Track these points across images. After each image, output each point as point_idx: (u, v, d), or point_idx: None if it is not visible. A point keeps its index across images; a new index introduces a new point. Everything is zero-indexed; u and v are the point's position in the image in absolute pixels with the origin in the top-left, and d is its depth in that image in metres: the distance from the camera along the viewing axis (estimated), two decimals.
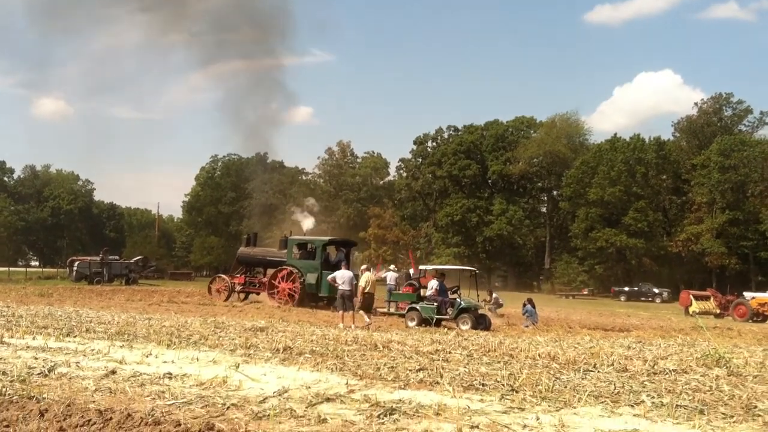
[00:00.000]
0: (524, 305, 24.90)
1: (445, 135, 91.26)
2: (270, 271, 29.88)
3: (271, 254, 31.27)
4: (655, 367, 10.44)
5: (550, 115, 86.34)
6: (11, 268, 57.75)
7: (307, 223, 36.16)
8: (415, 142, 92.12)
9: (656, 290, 61.40)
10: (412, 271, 24.30)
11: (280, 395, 7.84)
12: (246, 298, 30.93)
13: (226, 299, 30.07)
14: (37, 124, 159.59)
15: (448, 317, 20.15)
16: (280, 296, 28.36)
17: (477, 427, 6.57)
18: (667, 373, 9.95)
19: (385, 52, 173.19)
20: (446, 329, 18.85)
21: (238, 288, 30.99)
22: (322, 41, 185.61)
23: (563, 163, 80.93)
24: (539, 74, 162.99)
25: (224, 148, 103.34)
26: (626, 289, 63.40)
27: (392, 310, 23.32)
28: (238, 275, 31.52)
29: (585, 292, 68.51)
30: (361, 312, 19.92)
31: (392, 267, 28.85)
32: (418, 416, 6.96)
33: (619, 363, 10.81)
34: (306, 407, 7.22)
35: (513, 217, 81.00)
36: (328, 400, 7.64)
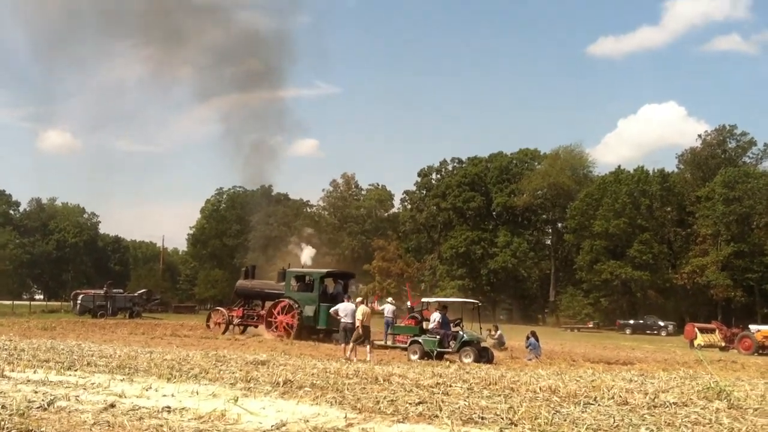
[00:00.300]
0: (527, 338, 24.84)
1: (449, 167, 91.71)
2: (268, 304, 29.91)
3: (269, 287, 31.53)
4: (656, 400, 10.38)
5: (554, 147, 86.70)
6: (15, 302, 57.73)
7: (306, 253, 36.40)
8: (419, 174, 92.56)
9: (661, 323, 61.02)
10: (409, 303, 24.35)
11: (278, 429, 7.84)
12: (244, 331, 31.00)
13: (224, 332, 30.18)
14: (42, 157, 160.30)
15: (450, 350, 20.09)
16: (278, 329, 28.42)
17: None
18: (667, 406, 9.89)
19: (390, 84, 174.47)
20: (449, 362, 18.79)
21: (236, 321, 31.05)
22: (327, 73, 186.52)
23: (567, 195, 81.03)
24: (543, 107, 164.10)
25: (229, 181, 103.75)
26: (631, 322, 63.05)
27: (389, 342, 23.30)
28: (236, 308, 31.59)
29: (590, 325, 68.12)
30: (366, 347, 19.84)
31: (390, 300, 28.90)
32: None
33: (620, 396, 10.76)
34: None
35: (517, 249, 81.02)
36: None
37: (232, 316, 31.30)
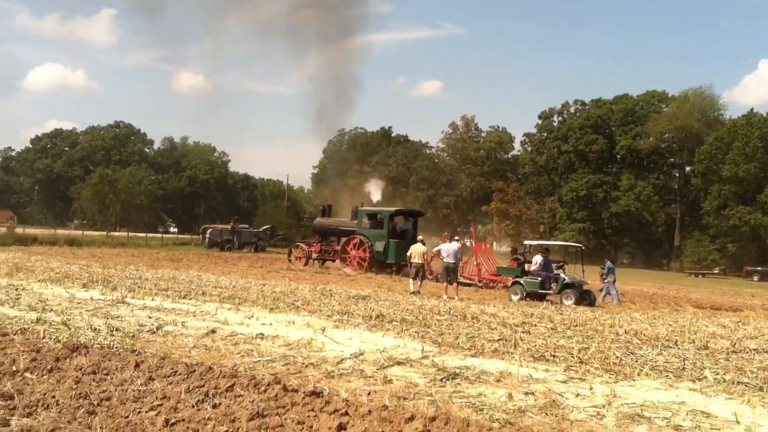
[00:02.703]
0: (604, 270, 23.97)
1: (572, 109, 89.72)
2: (343, 240, 31.34)
3: (344, 224, 32.90)
4: (736, 345, 10.45)
5: (683, 89, 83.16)
6: (149, 234, 61.23)
7: (376, 195, 37.35)
8: (540, 117, 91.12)
9: None
10: (472, 242, 24.81)
11: (356, 357, 8.47)
12: (323, 264, 32.55)
13: (305, 265, 31.93)
14: (177, 98, 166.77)
15: (551, 292, 20.27)
16: (351, 263, 30.02)
17: (531, 393, 6.95)
18: (746, 352, 9.96)
19: (515, 25, 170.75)
20: (548, 304, 19.02)
21: (314, 256, 32.75)
22: (453, 14, 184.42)
23: (696, 138, 77.92)
24: (677, 47, 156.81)
25: (350, 122, 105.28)
26: (759, 269, 60.53)
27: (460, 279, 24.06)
28: (315, 244, 33.32)
29: (716, 271, 65.99)
30: (419, 282, 20.41)
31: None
32: (479, 382, 7.40)
33: (702, 340, 10.86)
34: (376, 369, 7.80)
35: (641, 193, 79.00)
36: (399, 363, 8.20)
37: (311, 251, 32.95)
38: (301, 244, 34.61)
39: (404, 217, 32.31)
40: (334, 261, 31.85)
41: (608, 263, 23.45)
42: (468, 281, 25.26)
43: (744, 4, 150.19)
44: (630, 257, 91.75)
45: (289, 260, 33.59)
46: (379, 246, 29.78)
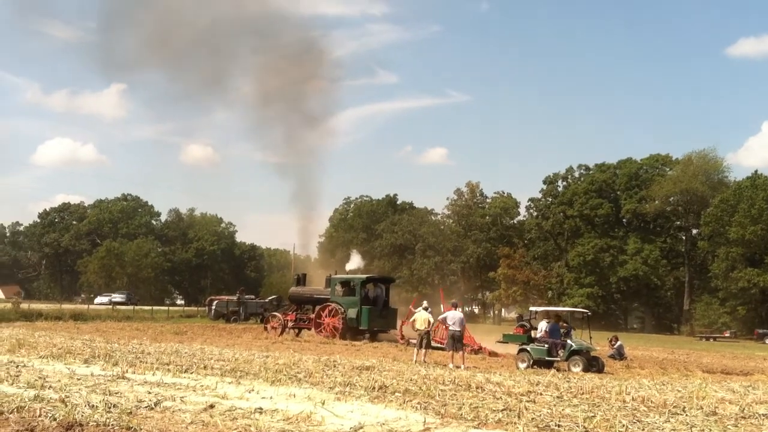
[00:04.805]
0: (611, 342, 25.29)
1: (576, 174, 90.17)
2: (318, 308, 31.85)
3: (318, 292, 33.43)
4: (745, 411, 10.24)
5: (687, 152, 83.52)
6: (155, 307, 61.00)
7: (353, 263, 37.96)
8: (545, 182, 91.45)
9: None
10: (442, 308, 25.24)
11: (356, 431, 8.31)
12: (299, 333, 32.56)
13: (281, 334, 31.87)
14: (185, 169, 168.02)
15: (559, 359, 20.03)
16: (325, 330, 30.52)
17: None
18: (755, 417, 9.76)
19: (519, 91, 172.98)
20: (559, 371, 18.78)
21: (290, 324, 32.83)
22: (458, 82, 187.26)
23: (701, 201, 78.11)
24: (680, 111, 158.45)
25: (356, 190, 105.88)
26: None
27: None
28: (291, 312, 33.65)
29: (727, 335, 65.22)
30: (425, 351, 20.43)
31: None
32: None
33: (710, 407, 10.65)
34: None
35: (649, 256, 78.76)
36: None
37: (287, 320, 33.09)
38: (277, 314, 34.85)
39: (374, 284, 32.74)
40: (309, 329, 32.06)
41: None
42: (439, 345, 25.03)
43: (746, 66, 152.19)
44: (640, 322, 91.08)
45: (266, 329, 33.72)
46: (352, 313, 30.30)
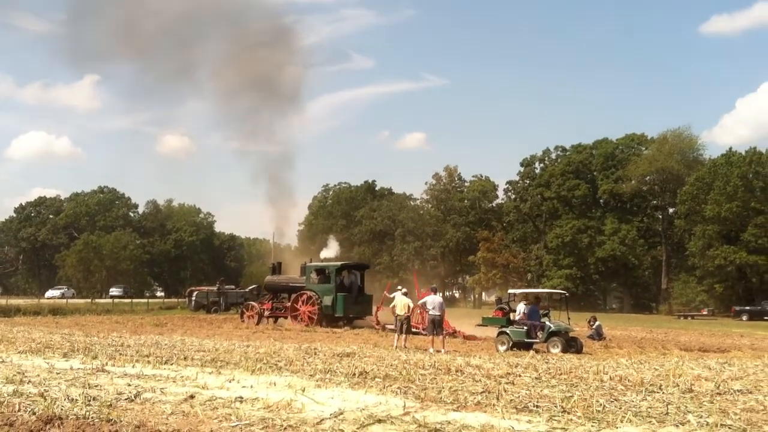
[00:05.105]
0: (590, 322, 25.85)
1: (553, 155, 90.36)
2: (293, 296, 32.21)
3: (293, 280, 33.71)
4: (721, 387, 10.40)
5: (662, 131, 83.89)
6: (134, 300, 60.73)
7: (330, 250, 38.30)
8: (522, 164, 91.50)
9: None
10: (417, 292, 25.52)
11: (336, 417, 8.36)
12: (276, 321, 32.93)
13: (258, 323, 32.29)
14: (161, 160, 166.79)
15: (538, 341, 20.20)
16: (301, 318, 30.87)
17: None
18: (731, 394, 9.91)
19: (495, 73, 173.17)
20: (538, 353, 18.94)
21: (266, 313, 33.17)
22: (435, 66, 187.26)
23: (677, 180, 78.51)
24: (654, 90, 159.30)
25: (335, 177, 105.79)
26: (747, 308, 60.57)
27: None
28: (267, 302, 33.88)
29: (704, 313, 65.83)
30: (404, 336, 20.56)
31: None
32: None
33: (687, 384, 10.80)
34: (356, 428, 7.71)
35: (626, 236, 79.23)
36: (379, 421, 8.09)
37: (264, 309, 33.36)
38: (253, 303, 34.95)
39: (349, 270, 33.08)
40: (286, 318, 32.28)
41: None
42: (416, 330, 25.14)
43: (720, 44, 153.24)
44: (619, 302, 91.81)
45: (242, 320, 33.83)
46: (328, 300, 30.72)
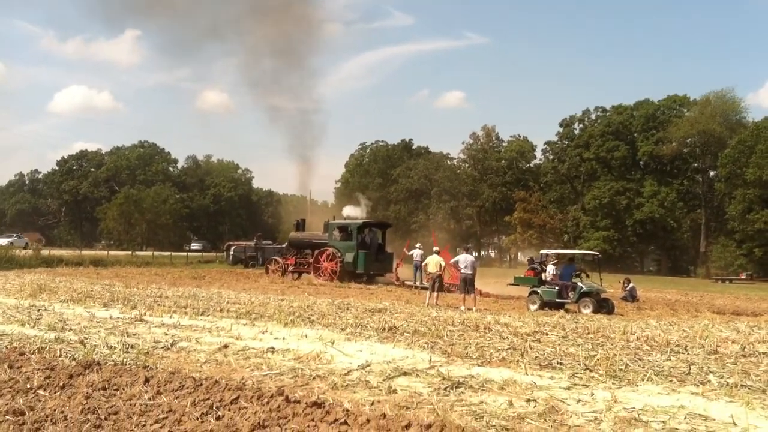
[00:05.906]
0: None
1: (593, 116, 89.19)
2: (316, 252, 32.62)
3: (316, 237, 34.05)
4: (746, 349, 10.45)
5: (705, 93, 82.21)
6: (174, 253, 61.70)
7: (347, 210, 38.49)
8: (561, 125, 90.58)
9: None
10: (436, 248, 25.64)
11: (363, 368, 8.61)
12: (299, 277, 33.37)
13: (282, 276, 33.16)
14: (201, 116, 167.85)
15: (569, 301, 20.29)
16: (324, 274, 31.40)
17: (533, 400, 7.05)
18: (755, 356, 9.97)
19: (536, 32, 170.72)
20: (568, 313, 19.05)
21: (290, 269, 33.78)
22: (476, 24, 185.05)
23: (719, 142, 77.10)
24: (698, 51, 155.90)
25: (372, 135, 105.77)
26: None
27: (418, 284, 27.94)
28: (290, 257, 34.46)
29: (743, 277, 65.14)
30: (435, 294, 20.67)
31: (418, 245, 30.96)
32: (483, 390, 7.52)
33: (712, 345, 10.88)
34: (382, 380, 7.94)
35: (665, 199, 78.33)
36: (405, 374, 8.33)
37: (287, 264, 34.06)
38: (278, 258, 35.76)
39: (371, 228, 33.53)
40: (309, 273, 32.75)
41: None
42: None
43: (766, 4, 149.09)
44: (656, 264, 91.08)
45: (267, 274, 34.64)
46: (349, 257, 31.23)
